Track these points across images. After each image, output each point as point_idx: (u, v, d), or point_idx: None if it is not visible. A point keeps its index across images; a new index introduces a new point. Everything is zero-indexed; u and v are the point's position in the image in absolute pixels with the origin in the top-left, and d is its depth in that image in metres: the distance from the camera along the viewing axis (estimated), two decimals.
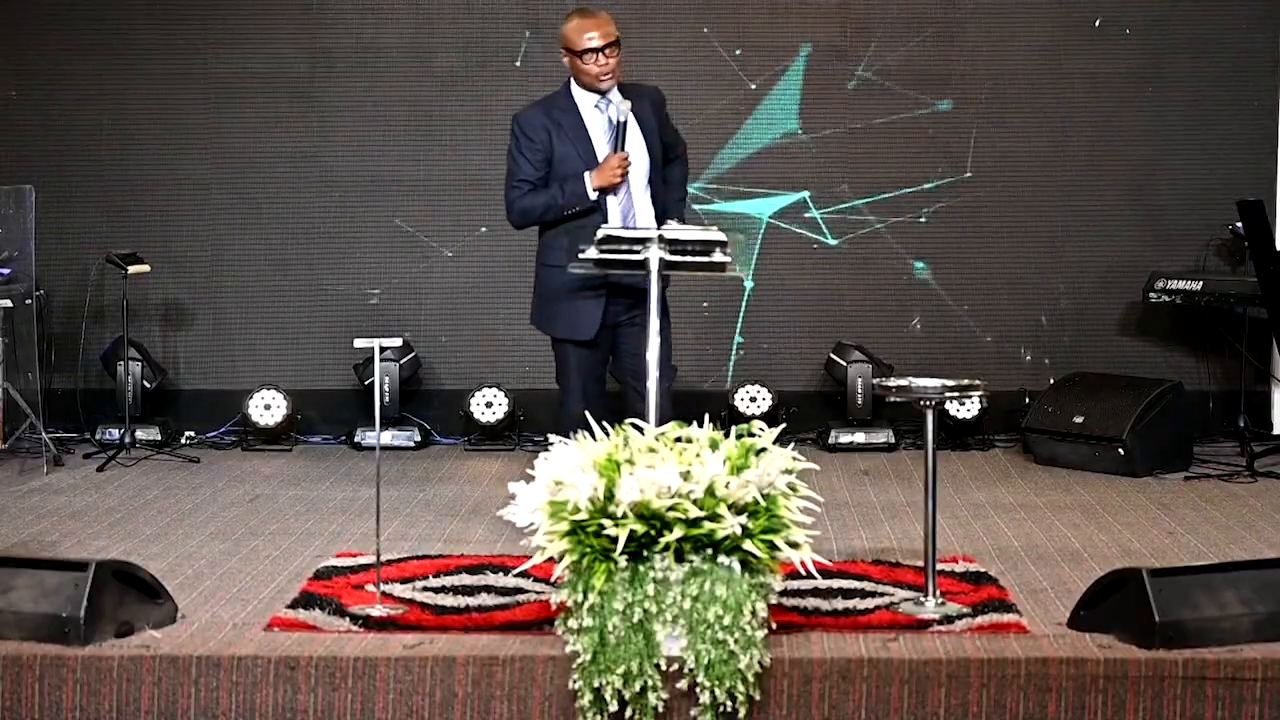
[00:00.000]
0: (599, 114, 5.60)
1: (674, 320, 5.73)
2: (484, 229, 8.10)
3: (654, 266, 5.02)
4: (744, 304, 8.21)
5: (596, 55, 5.48)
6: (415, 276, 8.23)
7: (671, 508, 4.07)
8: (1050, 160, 8.18)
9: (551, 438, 4.44)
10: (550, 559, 4.16)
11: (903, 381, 5.00)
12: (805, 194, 8.17)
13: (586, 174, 5.53)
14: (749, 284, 8.18)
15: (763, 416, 7.79)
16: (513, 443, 7.94)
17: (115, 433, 7.71)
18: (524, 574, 4.84)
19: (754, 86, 8.11)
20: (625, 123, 5.54)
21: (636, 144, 5.60)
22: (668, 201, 5.73)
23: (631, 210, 5.56)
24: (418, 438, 7.95)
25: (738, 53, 8.15)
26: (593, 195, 5.53)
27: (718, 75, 8.10)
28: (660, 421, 4.59)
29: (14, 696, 4.30)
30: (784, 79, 8.17)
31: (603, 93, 5.58)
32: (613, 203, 5.56)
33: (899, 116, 8.16)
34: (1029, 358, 8.24)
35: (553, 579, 4.22)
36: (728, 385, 8.10)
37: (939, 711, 4.26)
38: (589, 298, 5.58)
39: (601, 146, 5.58)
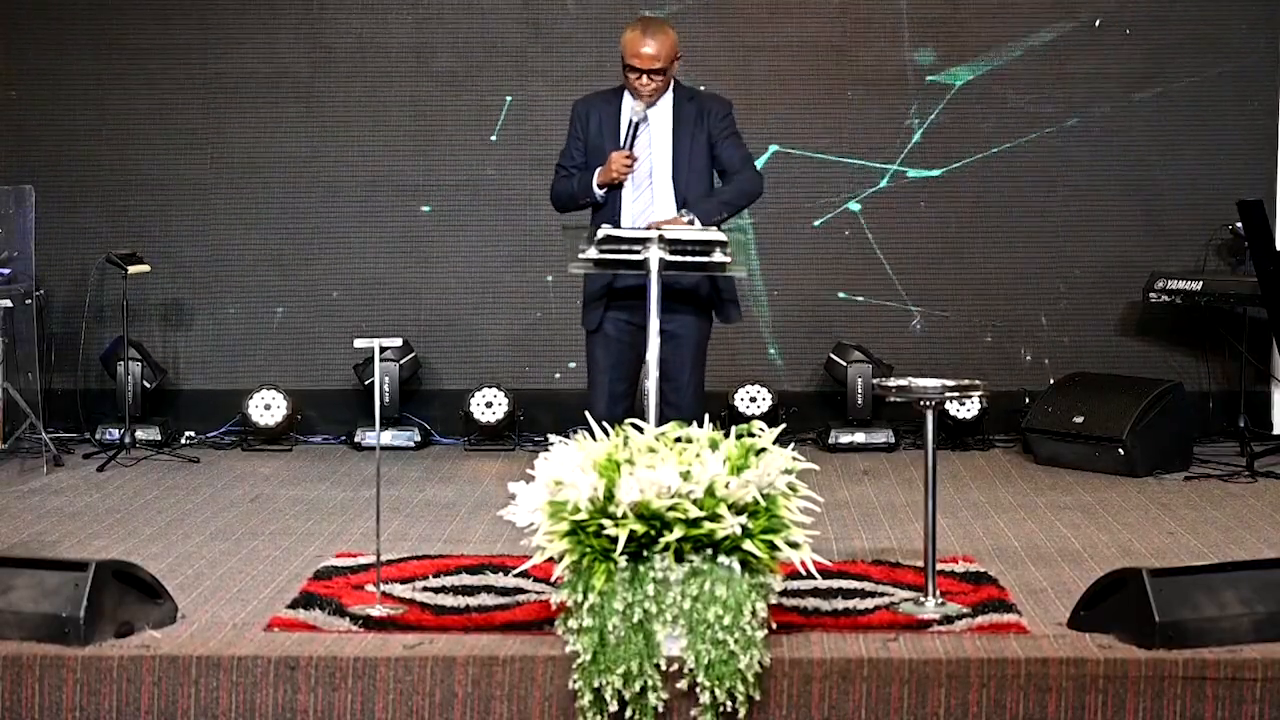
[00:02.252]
0: None
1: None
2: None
3: (654, 266, 5.02)
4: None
5: (637, 75, 5.50)
6: (415, 276, 8.23)
7: (671, 508, 4.07)
8: (1050, 160, 8.18)
9: (552, 437, 4.44)
10: (550, 559, 4.16)
11: (903, 381, 5.00)
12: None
13: (598, 169, 5.55)
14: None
15: (763, 416, 7.79)
16: (513, 443, 7.94)
17: (115, 433, 7.71)
18: (524, 574, 4.84)
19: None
20: (638, 123, 5.52)
21: (663, 145, 5.58)
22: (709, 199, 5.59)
23: (650, 208, 5.54)
24: (418, 438, 7.95)
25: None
26: (597, 191, 5.55)
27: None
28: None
29: (14, 696, 4.30)
30: None
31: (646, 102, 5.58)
32: (628, 200, 5.55)
33: (898, 115, 8.17)
34: (1029, 358, 8.24)
35: (553, 579, 4.22)
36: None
37: (939, 711, 4.26)
38: (600, 293, 5.61)
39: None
